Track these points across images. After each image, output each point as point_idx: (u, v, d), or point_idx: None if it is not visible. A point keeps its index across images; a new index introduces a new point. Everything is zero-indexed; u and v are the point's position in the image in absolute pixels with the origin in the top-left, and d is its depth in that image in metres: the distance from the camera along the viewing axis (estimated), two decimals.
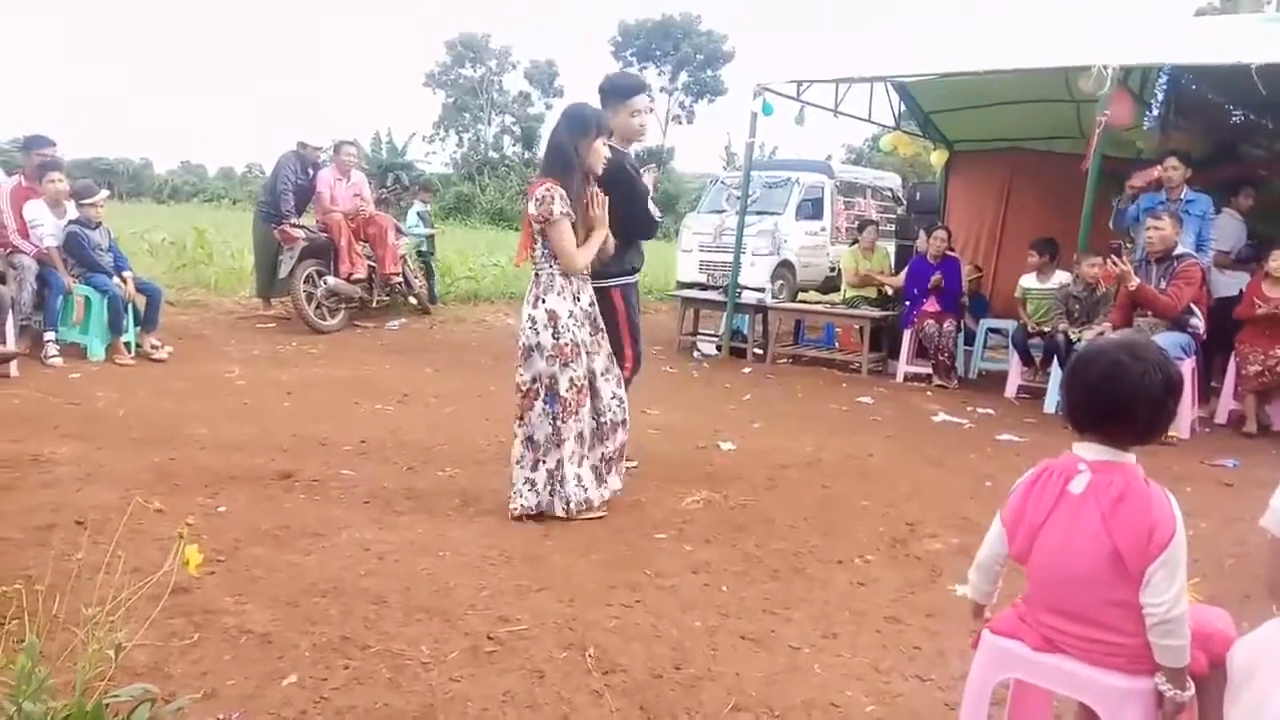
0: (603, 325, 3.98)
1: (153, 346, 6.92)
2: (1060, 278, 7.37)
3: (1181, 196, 6.67)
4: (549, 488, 3.78)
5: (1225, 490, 4.87)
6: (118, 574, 2.67)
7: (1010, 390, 7.39)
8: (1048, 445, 5.67)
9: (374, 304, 9.23)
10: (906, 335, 8.06)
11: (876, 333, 8.43)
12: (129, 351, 6.77)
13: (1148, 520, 1.65)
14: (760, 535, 3.76)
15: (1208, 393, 6.87)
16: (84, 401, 5.43)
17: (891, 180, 16.74)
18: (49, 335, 6.44)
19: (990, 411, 6.71)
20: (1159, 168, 6.76)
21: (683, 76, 47.76)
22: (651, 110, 4.39)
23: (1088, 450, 1.77)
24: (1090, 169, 6.71)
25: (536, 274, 3.80)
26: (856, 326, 8.62)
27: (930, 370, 7.87)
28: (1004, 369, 7.78)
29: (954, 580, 3.30)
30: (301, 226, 8.66)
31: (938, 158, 10.44)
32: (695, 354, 8.91)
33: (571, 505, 3.79)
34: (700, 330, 9.38)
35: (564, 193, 3.69)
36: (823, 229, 13.59)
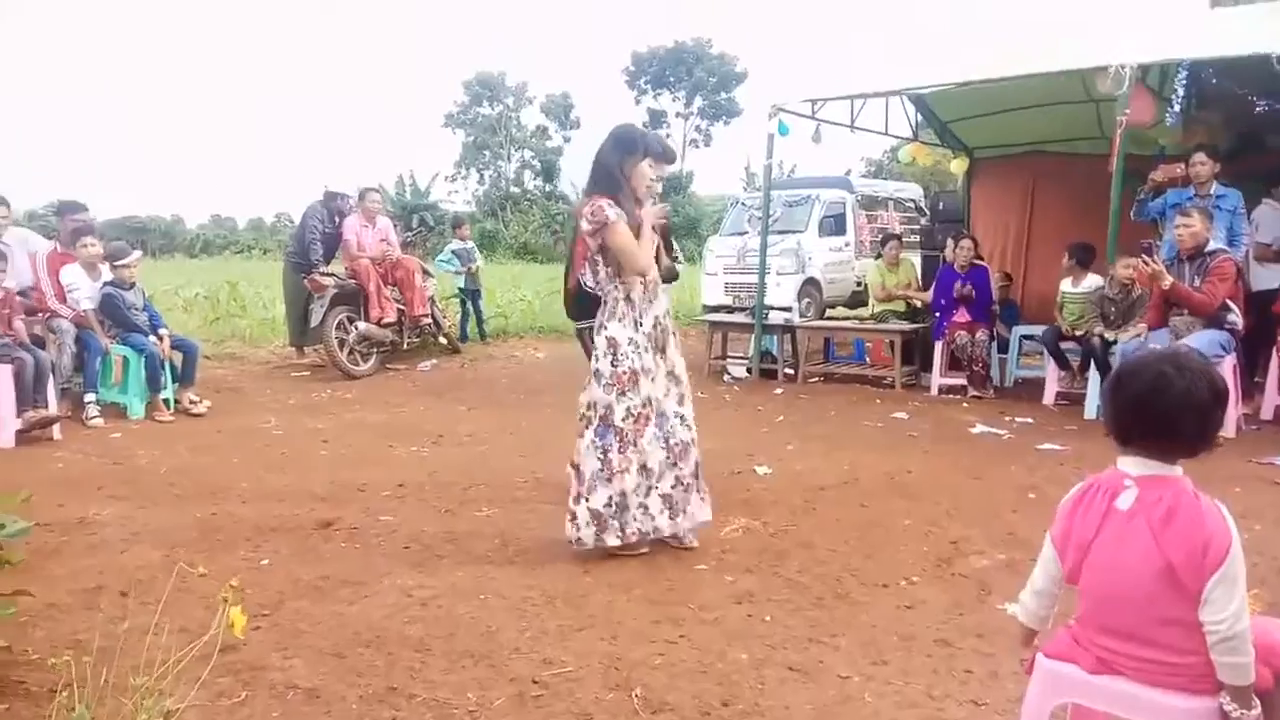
0: (668, 346, 3.84)
1: (191, 401, 7.02)
2: (1093, 281, 7.28)
3: (1211, 192, 6.58)
4: (593, 525, 3.66)
5: (1276, 489, 4.75)
6: (165, 635, 2.70)
7: (1048, 397, 7.28)
8: (1090, 453, 5.59)
9: (405, 346, 9.32)
10: (938, 347, 7.98)
11: (907, 346, 8.36)
12: (168, 408, 6.87)
13: (1202, 535, 1.61)
14: (802, 561, 3.72)
15: (1251, 389, 6.72)
16: (126, 461, 5.51)
17: (913, 191, 16.66)
18: (89, 396, 6.56)
19: (1029, 420, 6.61)
20: (1181, 165, 6.67)
21: (697, 100, 47.99)
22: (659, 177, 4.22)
23: (1133, 465, 1.73)
24: (1115, 170, 6.63)
25: (604, 300, 3.75)
26: (887, 341, 8.55)
27: (965, 381, 7.78)
28: (1041, 376, 7.67)
29: (1003, 598, 3.24)
30: (330, 274, 8.78)
31: (958, 166, 10.39)
32: (726, 377, 8.88)
33: (628, 532, 3.67)
34: (729, 353, 9.36)
35: (613, 202, 3.65)
36: (846, 244, 13.54)
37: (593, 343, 3.77)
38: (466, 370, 9.38)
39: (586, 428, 3.68)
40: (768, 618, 3.17)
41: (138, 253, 7.33)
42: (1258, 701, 1.63)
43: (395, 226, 9.84)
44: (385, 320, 8.77)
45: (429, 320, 9.47)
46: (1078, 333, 7.13)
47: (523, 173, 46.25)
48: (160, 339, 6.97)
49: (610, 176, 3.72)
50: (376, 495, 4.70)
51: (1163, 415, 1.68)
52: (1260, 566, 3.50)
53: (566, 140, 47.45)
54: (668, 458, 3.75)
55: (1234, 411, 6.08)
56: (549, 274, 20.31)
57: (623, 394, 3.66)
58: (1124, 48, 6.77)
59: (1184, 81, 6.43)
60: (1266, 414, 6.55)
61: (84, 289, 6.77)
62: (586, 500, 3.67)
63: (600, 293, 3.78)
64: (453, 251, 10.90)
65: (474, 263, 10.90)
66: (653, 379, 3.73)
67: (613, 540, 3.68)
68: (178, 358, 7.10)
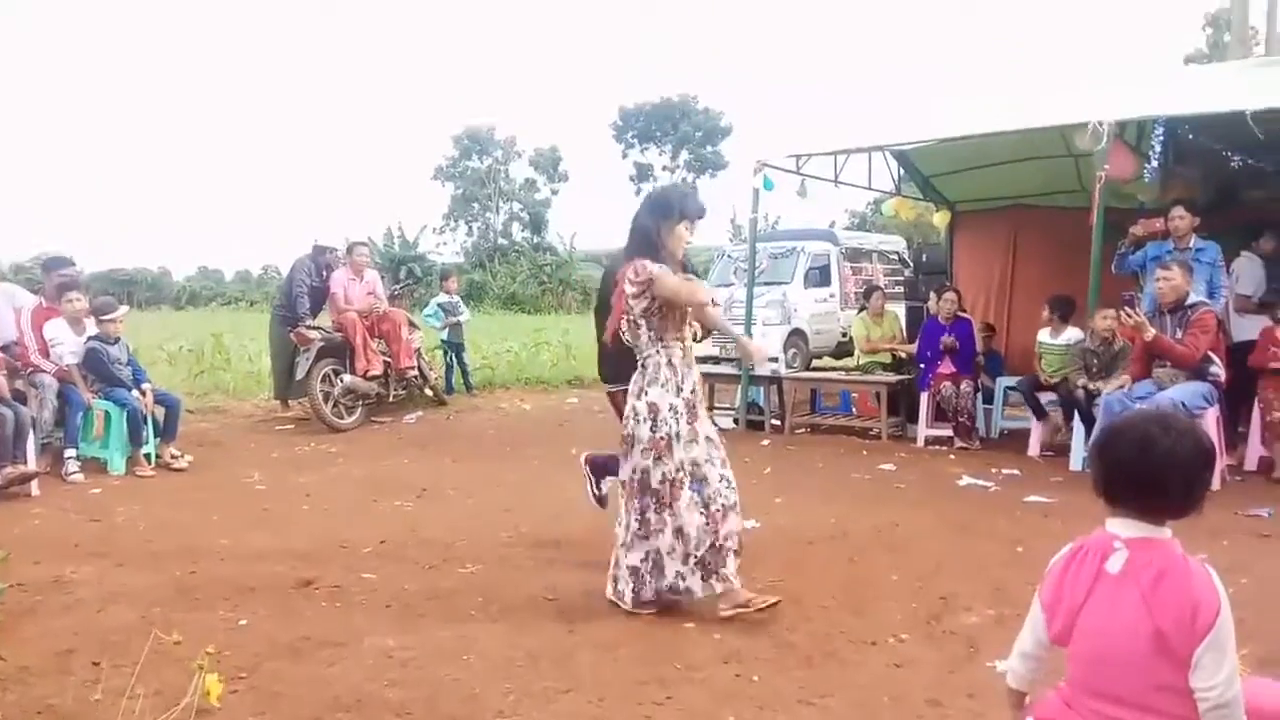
0: (701, 409, 3.84)
1: (172, 456, 6.94)
2: (1072, 334, 7.36)
3: (1190, 245, 6.68)
4: (631, 582, 3.70)
5: (1263, 542, 4.75)
6: (140, 701, 2.64)
7: (1034, 449, 7.29)
8: (1077, 505, 5.57)
9: (391, 399, 9.28)
10: (924, 398, 8.00)
11: (893, 397, 8.38)
12: (149, 463, 6.79)
13: (1190, 599, 1.60)
14: (790, 618, 3.67)
15: (1235, 440, 6.75)
16: (104, 517, 5.43)
17: (897, 243, 16.86)
18: (69, 452, 6.48)
19: (1015, 472, 6.61)
20: (1160, 219, 6.78)
21: (684, 154, 48.65)
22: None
23: (1122, 526, 1.73)
24: (1095, 224, 6.73)
25: (643, 363, 3.72)
26: (873, 392, 8.57)
27: (951, 432, 7.79)
28: (1025, 426, 7.69)
29: (993, 656, 3.20)
30: (317, 328, 8.77)
31: (940, 219, 10.51)
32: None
33: (661, 587, 3.68)
34: (716, 404, 9.34)
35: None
36: (832, 295, 13.66)
37: (631, 407, 3.73)
38: (452, 422, 9.34)
39: (633, 493, 3.72)
40: (756, 677, 3.12)
41: (124, 308, 7.30)
42: None
43: (383, 279, 9.87)
44: (371, 373, 8.75)
45: (415, 372, 9.44)
46: (1054, 382, 7.20)
47: (511, 224, 46.61)
48: (143, 393, 6.92)
49: (648, 240, 3.72)
50: (358, 552, 4.64)
51: (1149, 476, 1.68)
52: (1248, 621, 3.45)
53: (554, 193, 47.92)
54: (707, 523, 3.67)
55: (1218, 464, 6.09)
56: (536, 325, 20.35)
57: (659, 459, 3.64)
58: (1102, 104, 6.91)
59: (1160, 138, 6.56)
60: (1250, 465, 6.57)
61: (68, 344, 6.73)
62: (625, 558, 3.72)
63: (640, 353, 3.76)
64: (438, 304, 10.89)
65: (460, 316, 10.89)
66: (689, 444, 3.71)
67: (648, 595, 3.69)
68: (160, 412, 7.04)
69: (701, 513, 3.68)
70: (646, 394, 3.66)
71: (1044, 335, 7.62)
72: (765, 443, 8.16)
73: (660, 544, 3.66)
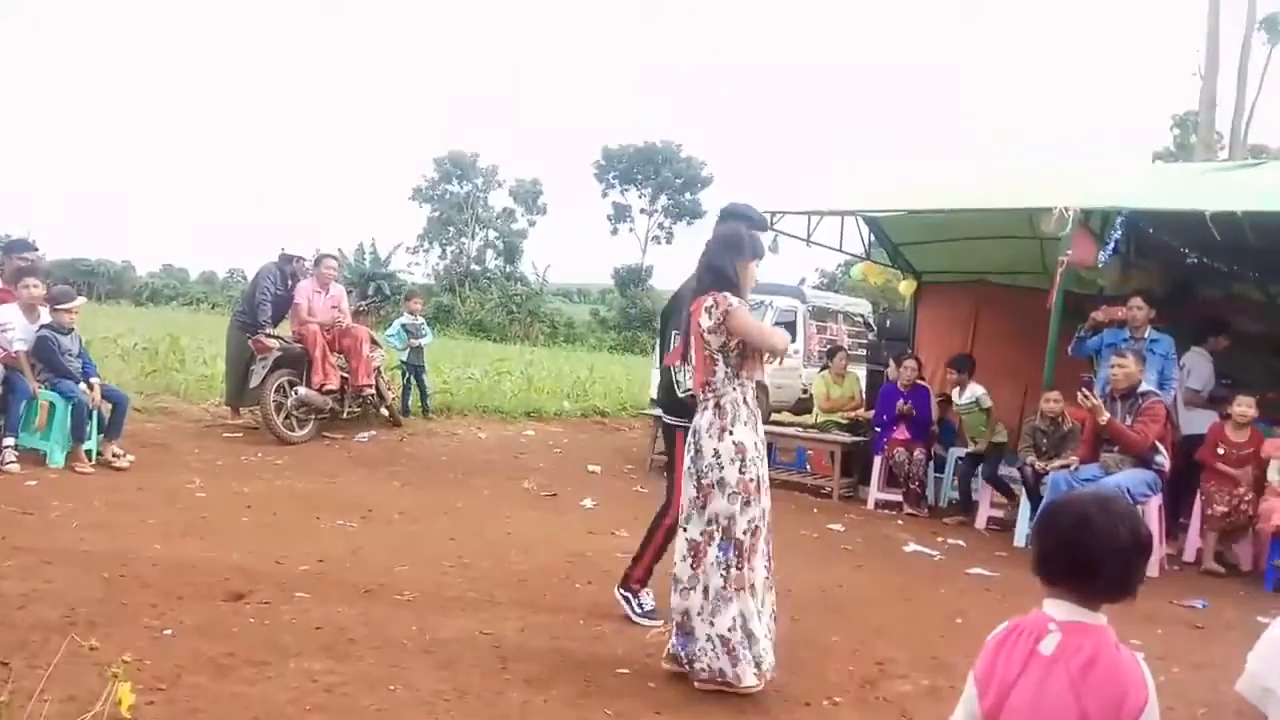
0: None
1: (114, 455, 6.78)
2: (974, 390, 7.77)
3: (1145, 335, 6.85)
4: (724, 654, 3.35)
5: (1195, 633, 4.81)
6: (49, 705, 2.54)
7: (980, 521, 7.37)
8: (1018, 581, 5.62)
9: (345, 415, 9.15)
10: (877, 462, 8.07)
11: (848, 458, 8.44)
12: (90, 459, 6.62)
13: (1118, 688, 1.62)
14: None
15: (1175, 530, 6.87)
16: (38, 511, 5.27)
17: (863, 307, 17.10)
18: (8, 440, 6.29)
19: (961, 543, 6.67)
20: (1121, 307, 6.96)
21: (662, 199, 49.15)
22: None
23: (1058, 609, 1.75)
24: (1054, 306, 6.89)
25: (718, 403, 3.47)
26: (828, 451, 8.63)
27: (901, 498, 7.86)
28: (974, 499, 7.77)
29: None
30: (277, 337, 8.66)
31: (906, 287, 10.68)
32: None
33: (764, 667, 3.40)
34: None
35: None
36: (795, 351, 13.77)
37: (712, 450, 3.46)
38: (405, 444, 9.23)
39: (711, 543, 3.42)
40: None
41: (81, 299, 7.17)
42: None
43: (350, 294, 9.77)
44: (327, 387, 8.63)
45: (372, 391, 9.32)
46: (974, 440, 7.58)
47: (485, 252, 46.66)
48: (91, 387, 6.77)
49: (725, 277, 3.56)
50: (295, 569, 4.54)
51: (1084, 557, 1.71)
52: (1177, 710, 3.52)
53: (531, 224, 48.15)
54: (767, 579, 3.55)
55: (1158, 552, 6.20)
56: (501, 353, 20.29)
57: (747, 504, 3.43)
58: (1069, 191, 7.11)
59: (1120, 226, 6.76)
60: (1189, 556, 6.69)
61: (19, 330, 6.58)
62: (711, 624, 3.38)
63: (693, 396, 3.60)
64: (402, 325, 10.80)
65: (423, 338, 10.81)
66: (766, 491, 3.55)
67: (750, 678, 3.34)
68: (106, 408, 6.88)
69: (766, 565, 3.53)
70: (732, 433, 3.43)
71: (954, 395, 7.86)
72: None
73: (747, 606, 3.40)
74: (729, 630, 3.37)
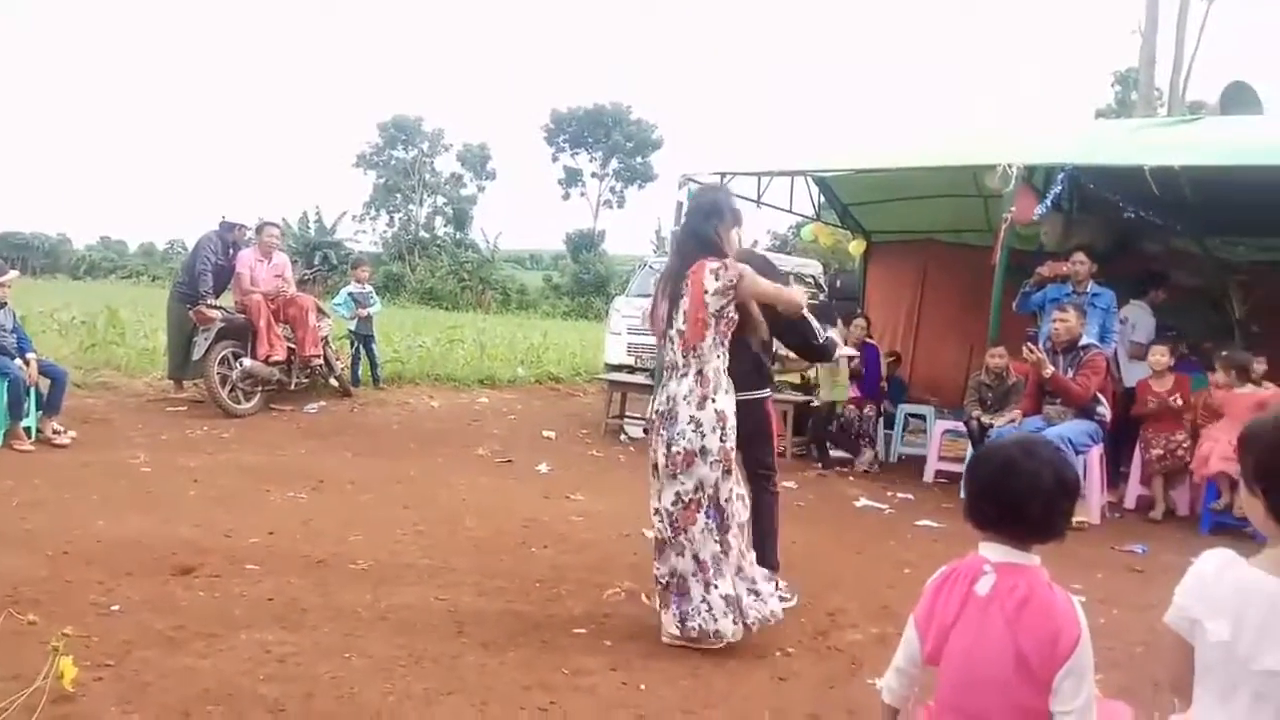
0: None
1: (55, 432, 6.60)
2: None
3: (1087, 289, 6.99)
4: (730, 613, 3.43)
5: (1135, 576, 4.98)
6: None
7: (929, 475, 7.52)
8: (964, 532, 5.71)
9: (293, 386, 9.00)
10: None
11: (801, 417, 8.53)
12: (29, 437, 6.44)
13: (1051, 626, 1.67)
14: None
15: (1117, 478, 7.08)
16: None
17: (814, 268, 17.14)
18: None
19: (910, 496, 6.80)
20: (1065, 263, 7.09)
21: (613, 163, 48.82)
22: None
23: (992, 551, 1.79)
24: (998, 263, 6.99)
25: (701, 370, 3.45)
26: (780, 410, 8.70)
27: (852, 455, 7.97)
28: (923, 453, 7.92)
29: (873, 673, 3.26)
30: (219, 307, 8.47)
31: (856, 247, 10.78)
32: (622, 437, 8.88)
33: (769, 610, 3.53)
34: (628, 413, 9.36)
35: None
36: None
37: (690, 418, 3.45)
38: (356, 415, 9.12)
39: (698, 511, 3.44)
40: (642, 686, 3.12)
41: (14, 272, 6.93)
42: None
43: (294, 263, 9.57)
44: (273, 358, 8.47)
45: (320, 361, 9.18)
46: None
47: (434, 218, 46.01)
48: (27, 363, 6.57)
49: (709, 242, 3.53)
50: (244, 542, 4.48)
51: (1010, 499, 1.75)
52: (1116, 650, 3.64)
53: (481, 190, 47.55)
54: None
55: (1099, 499, 6.39)
56: (452, 321, 20.09)
57: (728, 472, 3.48)
58: (1012, 149, 7.20)
59: (1061, 182, 6.87)
60: (1129, 503, 6.90)
61: None
62: (717, 588, 3.43)
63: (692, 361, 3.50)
64: (349, 294, 10.62)
65: (372, 306, 10.64)
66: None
67: (755, 618, 3.47)
68: (45, 384, 6.69)
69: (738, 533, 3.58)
70: (714, 401, 3.44)
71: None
72: None
73: (743, 563, 3.52)
74: (733, 589, 3.45)
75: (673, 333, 3.53)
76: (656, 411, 3.59)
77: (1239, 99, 9.57)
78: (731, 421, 3.49)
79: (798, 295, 3.72)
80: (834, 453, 8.10)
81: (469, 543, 4.76)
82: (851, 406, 7.93)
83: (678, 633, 3.46)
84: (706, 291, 3.42)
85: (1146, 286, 7.80)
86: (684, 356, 3.50)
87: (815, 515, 6.08)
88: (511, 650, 3.35)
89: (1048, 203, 6.83)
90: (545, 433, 8.83)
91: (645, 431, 8.88)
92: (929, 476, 7.50)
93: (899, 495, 6.81)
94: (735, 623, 3.45)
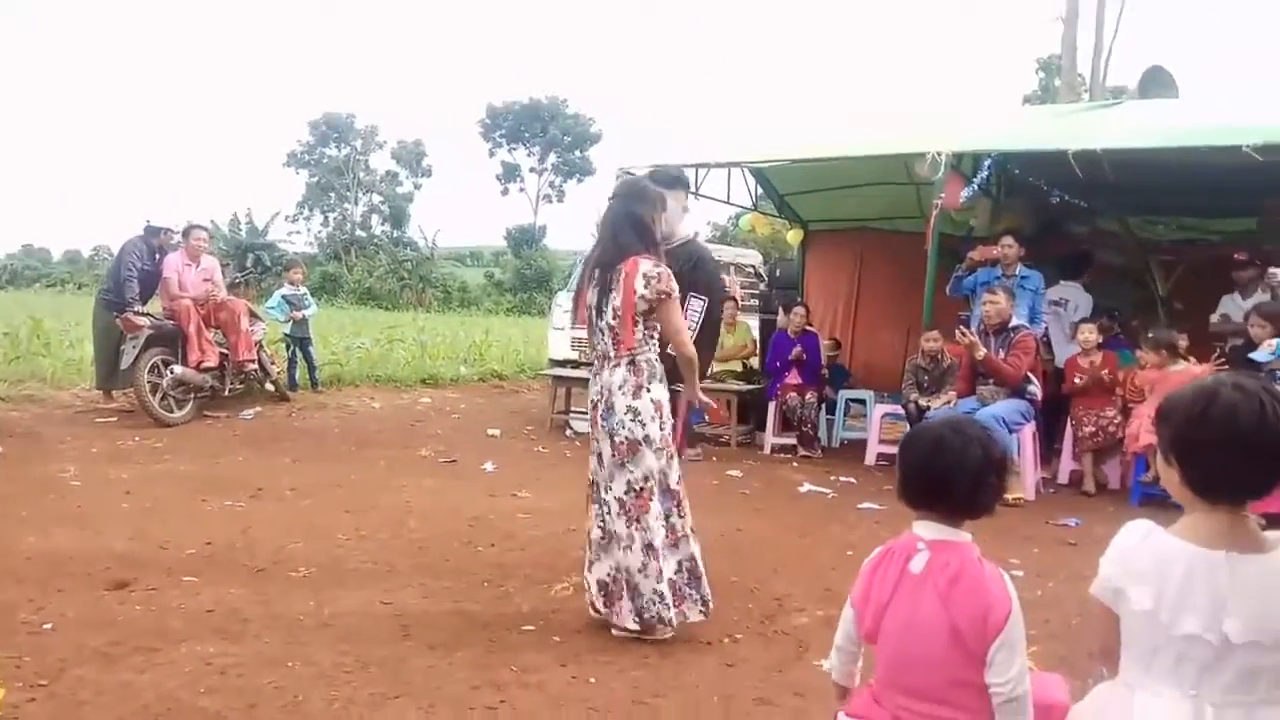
0: None
1: None
2: None
3: (1016, 272, 7.17)
4: (670, 599, 3.46)
5: (1069, 549, 5.13)
6: None
7: (870, 458, 7.64)
8: (905, 513, 5.85)
9: (227, 393, 8.80)
10: (771, 408, 8.26)
11: (744, 406, 8.61)
12: None
13: (983, 600, 1.71)
14: None
15: (1050, 455, 7.28)
16: None
17: (753, 257, 17.30)
18: None
19: (852, 480, 6.91)
20: (995, 247, 7.26)
21: (551, 157, 48.55)
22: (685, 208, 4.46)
23: (925, 529, 1.83)
24: (930, 249, 7.13)
25: (633, 360, 3.48)
26: (724, 400, 8.77)
27: (795, 441, 8.08)
28: (864, 437, 8.05)
29: (820, 655, 3.32)
30: (146, 314, 8.24)
31: (794, 237, 10.89)
32: (568, 432, 8.86)
33: (709, 605, 3.57)
34: (573, 408, 9.35)
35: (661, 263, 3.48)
36: None
37: (628, 408, 3.48)
38: (294, 419, 8.95)
39: (651, 499, 3.46)
40: (592, 679, 3.13)
41: None
42: None
43: (225, 266, 9.36)
44: (205, 365, 8.27)
45: (254, 366, 8.98)
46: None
47: (370, 217, 45.30)
48: None
49: (645, 230, 3.52)
50: (181, 554, 4.37)
51: (939, 476, 1.80)
52: (1052, 622, 3.76)
53: (417, 187, 46.94)
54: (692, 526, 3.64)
55: (1033, 476, 6.57)
56: (391, 320, 19.80)
57: (671, 458, 3.53)
58: (941, 136, 7.34)
59: (987, 167, 7.04)
60: (1062, 478, 7.10)
61: None
62: (664, 573, 3.45)
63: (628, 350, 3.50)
64: (283, 296, 10.41)
65: (307, 309, 10.44)
66: None
67: (696, 615, 3.53)
68: None
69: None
70: (649, 390, 3.47)
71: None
72: None
73: (693, 549, 3.54)
74: (675, 574, 3.49)
75: (603, 324, 3.53)
76: (592, 402, 3.62)
77: (1156, 83, 9.89)
78: (668, 409, 3.53)
79: (691, 350, 3.64)
80: (778, 440, 8.20)
81: (413, 545, 4.71)
82: (794, 394, 8.03)
83: (636, 626, 3.46)
84: (636, 292, 3.42)
85: (1081, 267, 8.03)
86: (615, 347, 3.51)
87: (760, 502, 6.15)
88: (459, 651, 3.33)
89: (974, 186, 6.99)
90: (490, 431, 8.77)
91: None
92: (870, 460, 7.63)
93: (841, 479, 6.92)
94: (676, 606, 3.49)
